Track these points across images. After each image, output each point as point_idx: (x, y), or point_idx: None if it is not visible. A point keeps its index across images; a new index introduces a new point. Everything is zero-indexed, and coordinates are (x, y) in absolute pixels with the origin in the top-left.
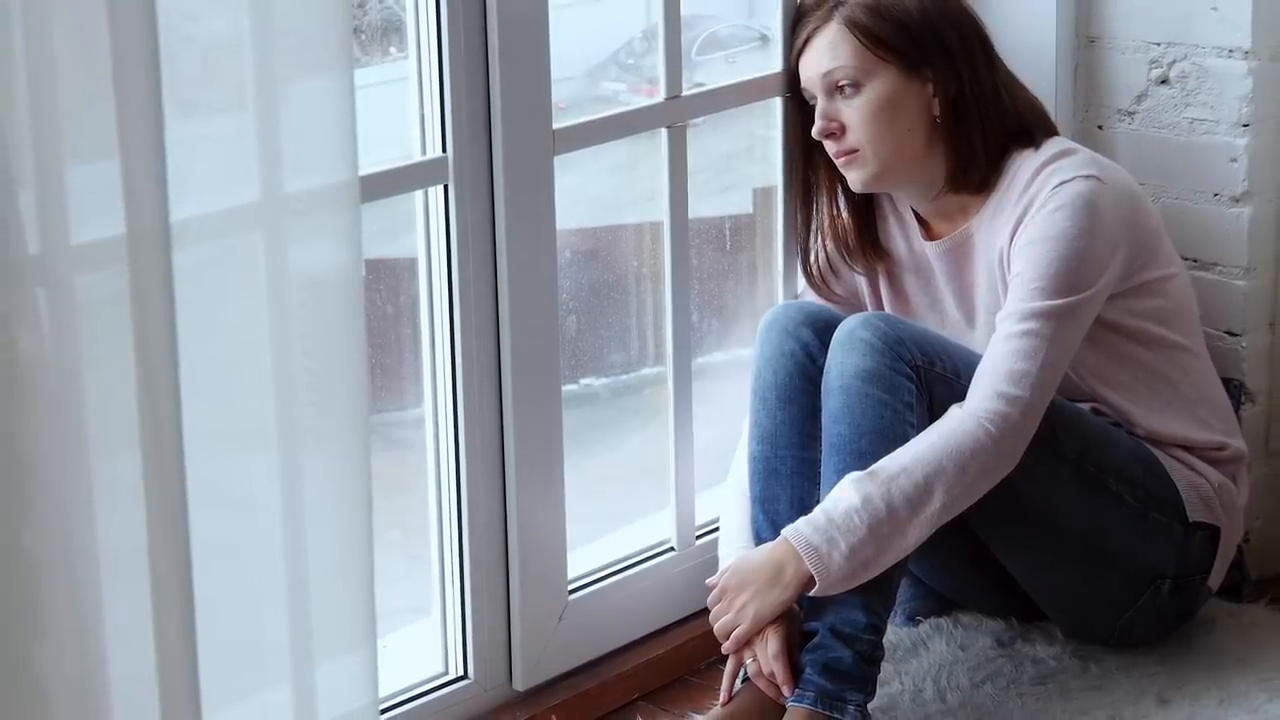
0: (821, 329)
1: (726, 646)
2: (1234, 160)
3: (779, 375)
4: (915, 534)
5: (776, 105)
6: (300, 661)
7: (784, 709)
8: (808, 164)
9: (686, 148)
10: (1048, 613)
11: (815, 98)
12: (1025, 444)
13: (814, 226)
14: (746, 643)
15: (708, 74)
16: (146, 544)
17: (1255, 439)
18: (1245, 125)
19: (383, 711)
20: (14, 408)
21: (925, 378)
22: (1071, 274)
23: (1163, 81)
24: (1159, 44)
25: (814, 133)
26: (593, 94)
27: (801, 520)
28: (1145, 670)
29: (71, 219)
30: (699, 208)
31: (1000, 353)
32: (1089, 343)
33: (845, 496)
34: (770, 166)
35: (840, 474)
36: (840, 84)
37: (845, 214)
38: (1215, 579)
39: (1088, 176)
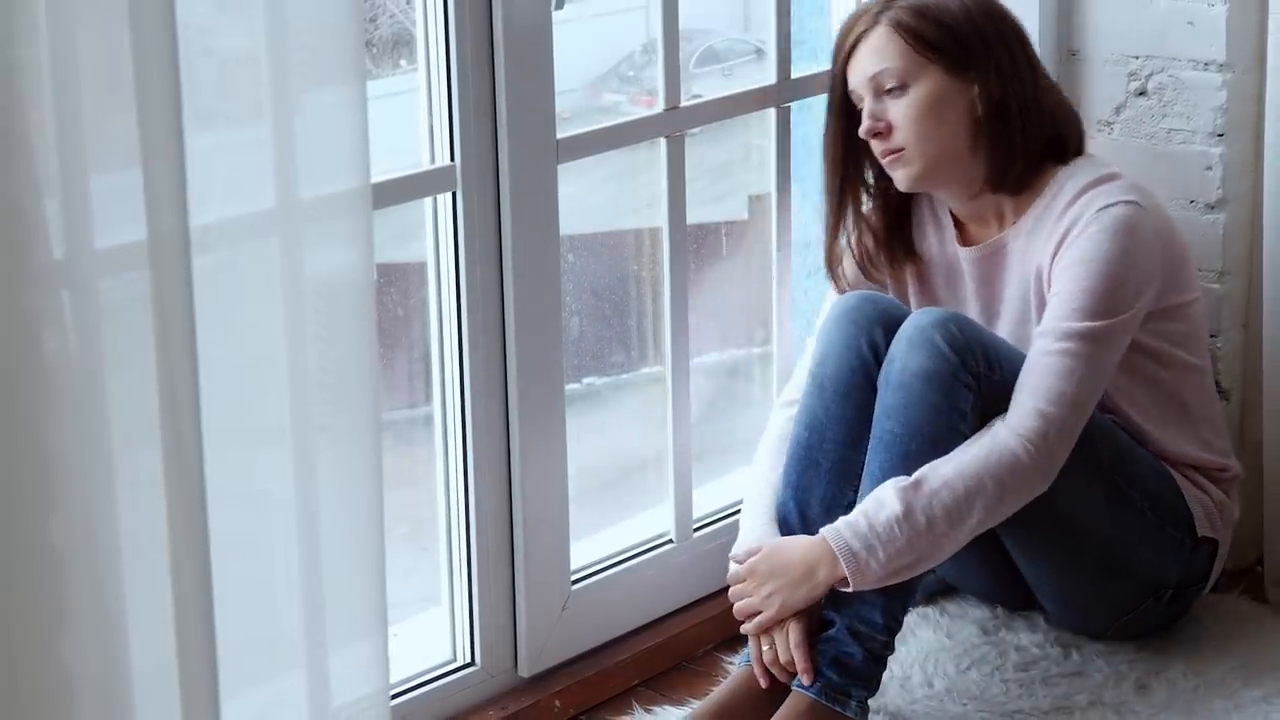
0: (893, 328)
1: (747, 628)
2: (1209, 168)
3: (842, 368)
4: (950, 546)
5: (771, 116)
6: (314, 649)
7: (775, 699)
8: (846, 168)
9: (685, 156)
10: (1048, 608)
11: (863, 100)
12: (1061, 463)
13: (843, 231)
14: (767, 629)
15: (705, 86)
16: (167, 538)
17: (1229, 435)
18: (1220, 135)
19: (393, 697)
20: (39, 407)
21: (984, 386)
22: (1111, 296)
23: (1141, 93)
24: (1137, 57)
25: (861, 132)
26: (595, 105)
27: (842, 522)
28: (1124, 657)
29: (95, 225)
30: (696, 214)
31: (1040, 369)
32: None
33: (889, 503)
34: (765, 174)
35: (884, 473)
36: (888, 85)
37: (876, 219)
38: (1209, 586)
39: (1130, 202)
